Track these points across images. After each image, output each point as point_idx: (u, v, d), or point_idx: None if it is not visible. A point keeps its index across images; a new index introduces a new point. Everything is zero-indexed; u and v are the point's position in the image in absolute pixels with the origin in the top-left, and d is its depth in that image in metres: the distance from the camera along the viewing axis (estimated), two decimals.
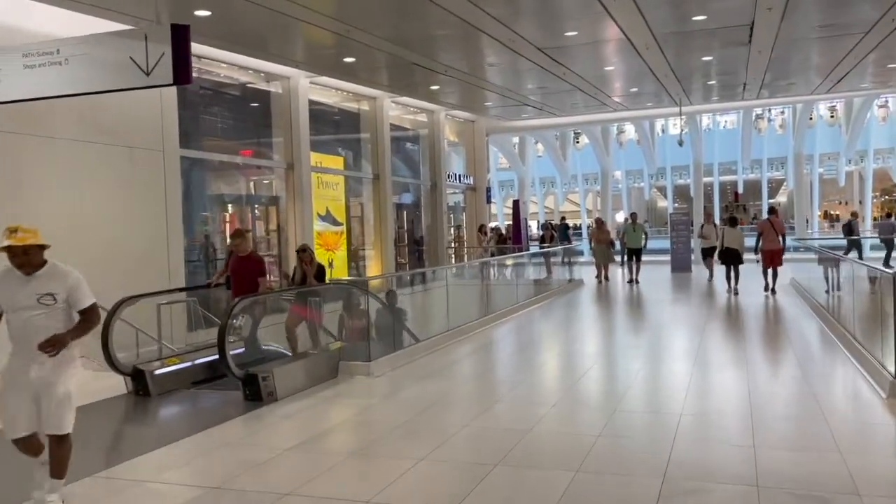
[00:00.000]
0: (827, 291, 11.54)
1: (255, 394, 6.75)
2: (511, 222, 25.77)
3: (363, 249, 16.68)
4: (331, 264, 15.09)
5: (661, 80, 15.04)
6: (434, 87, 15.27)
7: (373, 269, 16.54)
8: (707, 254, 16.85)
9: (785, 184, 44.52)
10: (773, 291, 13.77)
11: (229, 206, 12.85)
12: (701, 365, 7.88)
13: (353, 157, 16.60)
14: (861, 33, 10.86)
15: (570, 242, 22.06)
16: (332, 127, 16.50)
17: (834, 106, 26.83)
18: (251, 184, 13.93)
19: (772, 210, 15.60)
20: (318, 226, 14.85)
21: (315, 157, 14.75)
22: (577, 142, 29.78)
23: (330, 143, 16.11)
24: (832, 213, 48.55)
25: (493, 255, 19.96)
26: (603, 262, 17.48)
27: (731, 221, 15.16)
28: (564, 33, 10.53)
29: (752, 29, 10.42)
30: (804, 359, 8.03)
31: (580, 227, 39.33)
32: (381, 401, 6.88)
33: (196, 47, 11.23)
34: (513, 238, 21.04)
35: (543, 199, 49.21)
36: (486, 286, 13.77)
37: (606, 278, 17.52)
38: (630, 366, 8.16)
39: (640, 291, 15.58)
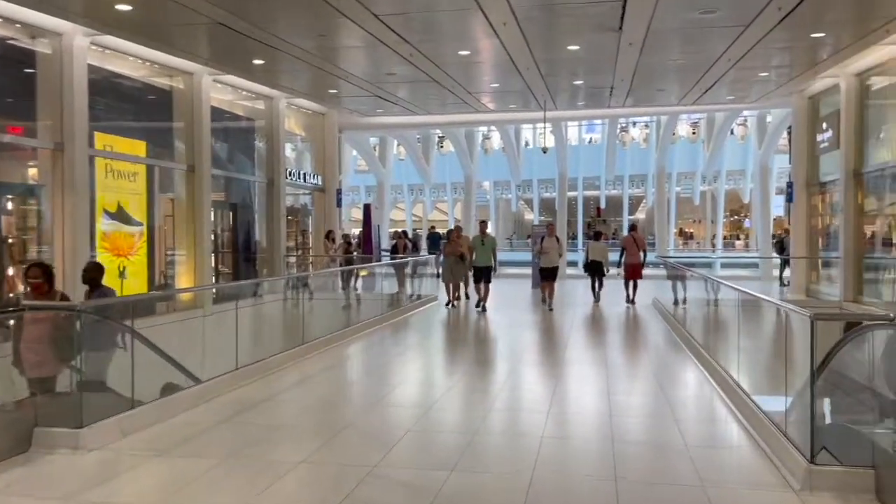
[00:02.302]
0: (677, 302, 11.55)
1: None
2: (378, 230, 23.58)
3: (172, 255, 13.78)
4: (122, 273, 12.17)
5: (523, 74, 13.37)
6: (258, 62, 12.74)
7: (183, 279, 13.69)
8: (547, 275, 13.94)
9: (644, 201, 45.38)
10: (633, 302, 14.49)
11: None
12: (556, 424, 5.95)
13: (160, 143, 13.67)
14: (742, 26, 9.55)
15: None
16: (133, 104, 13.49)
17: (696, 123, 26.76)
18: None
19: (633, 227, 16.29)
20: (105, 224, 11.89)
21: (103, 139, 11.82)
22: (441, 146, 28.05)
23: (128, 124, 13.11)
24: (686, 230, 50.23)
25: (341, 265, 17.66)
26: (453, 279, 14.53)
27: (596, 236, 16.17)
28: None
29: (624, 8, 8.80)
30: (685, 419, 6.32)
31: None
32: (63, 502, 4.35)
33: None
34: (362, 247, 18.78)
35: (411, 207, 47.48)
36: (307, 306, 11.30)
37: (465, 297, 15.02)
38: (460, 425, 6.12)
39: (488, 317, 13.02)
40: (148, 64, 12.87)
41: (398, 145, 28.03)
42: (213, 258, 14.59)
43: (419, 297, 15.21)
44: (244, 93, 16.08)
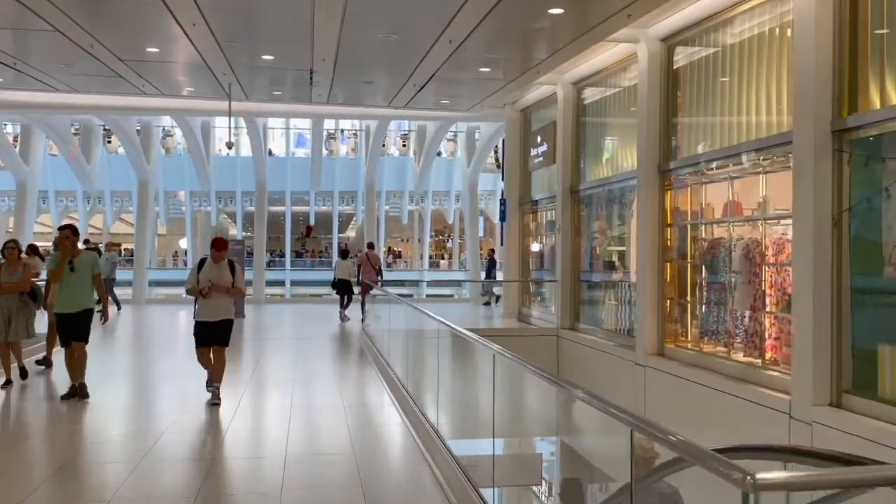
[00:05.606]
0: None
1: None
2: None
3: None
4: None
5: (190, 36, 9.88)
6: None
7: None
8: (208, 337, 7.53)
9: (354, 219, 43.65)
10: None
11: None
12: None
13: None
14: None
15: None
16: None
17: (406, 135, 25.30)
18: None
19: (370, 245, 16.85)
20: None
21: None
22: (110, 141, 22.79)
23: None
24: (395, 249, 49.94)
25: None
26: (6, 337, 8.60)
27: (344, 254, 17.15)
28: None
29: None
30: None
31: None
32: None
33: None
34: None
35: (87, 217, 39.68)
36: None
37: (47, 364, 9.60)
38: None
39: (89, 410, 7.45)
40: None
41: (47, 138, 22.15)
42: None
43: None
44: None
